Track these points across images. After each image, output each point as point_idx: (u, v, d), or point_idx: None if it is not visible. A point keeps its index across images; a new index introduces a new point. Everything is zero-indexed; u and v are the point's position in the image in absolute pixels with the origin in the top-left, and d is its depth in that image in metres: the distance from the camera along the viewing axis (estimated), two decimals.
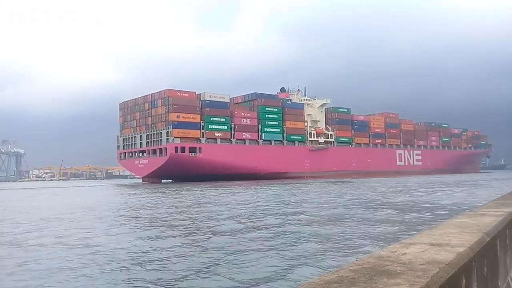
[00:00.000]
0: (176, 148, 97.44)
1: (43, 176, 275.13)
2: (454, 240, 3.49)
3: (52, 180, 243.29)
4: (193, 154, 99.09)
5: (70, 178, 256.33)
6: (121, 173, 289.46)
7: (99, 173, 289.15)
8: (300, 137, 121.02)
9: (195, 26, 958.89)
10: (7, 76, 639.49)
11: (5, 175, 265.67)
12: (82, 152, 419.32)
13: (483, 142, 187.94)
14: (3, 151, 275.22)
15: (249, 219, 21.24)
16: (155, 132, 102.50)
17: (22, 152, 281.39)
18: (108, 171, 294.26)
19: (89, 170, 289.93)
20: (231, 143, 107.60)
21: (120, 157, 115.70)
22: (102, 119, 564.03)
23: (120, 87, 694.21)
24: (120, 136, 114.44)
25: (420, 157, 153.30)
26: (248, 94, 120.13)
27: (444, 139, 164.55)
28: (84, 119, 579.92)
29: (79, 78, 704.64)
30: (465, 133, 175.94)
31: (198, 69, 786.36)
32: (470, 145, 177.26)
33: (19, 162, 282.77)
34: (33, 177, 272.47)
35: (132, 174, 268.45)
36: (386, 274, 2.50)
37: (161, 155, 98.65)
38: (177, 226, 19.34)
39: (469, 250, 3.19)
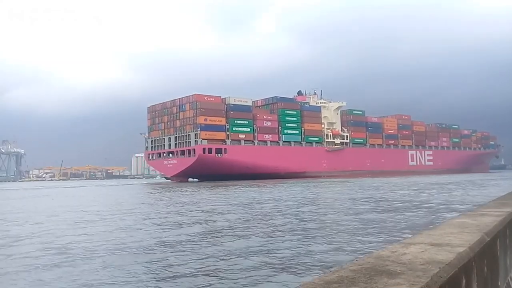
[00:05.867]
0: (204, 149, 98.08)
1: (43, 176, 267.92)
2: (454, 240, 3.36)
3: (52, 180, 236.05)
4: (219, 155, 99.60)
5: (70, 178, 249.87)
6: (121, 173, 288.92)
7: (99, 173, 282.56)
8: (318, 139, 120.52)
9: (210, 27, 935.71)
10: (15, 77, 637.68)
11: (5, 175, 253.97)
12: (83, 152, 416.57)
13: (492, 143, 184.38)
14: (3, 151, 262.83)
15: None
16: (183, 134, 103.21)
17: (22, 152, 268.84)
18: (108, 171, 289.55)
19: (89, 170, 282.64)
20: (254, 144, 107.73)
21: (149, 157, 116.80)
22: (106, 120, 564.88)
23: (128, 88, 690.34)
24: (149, 138, 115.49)
25: (431, 157, 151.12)
26: (268, 98, 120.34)
27: (454, 139, 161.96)
28: (88, 120, 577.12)
29: (86, 79, 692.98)
30: (474, 134, 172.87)
31: (212, 69, 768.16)
32: (479, 146, 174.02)
33: (19, 162, 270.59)
34: (33, 177, 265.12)
35: (132, 174, 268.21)
36: (386, 274, 2.40)
37: (190, 156, 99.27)
38: None
39: (469, 250, 3.06)
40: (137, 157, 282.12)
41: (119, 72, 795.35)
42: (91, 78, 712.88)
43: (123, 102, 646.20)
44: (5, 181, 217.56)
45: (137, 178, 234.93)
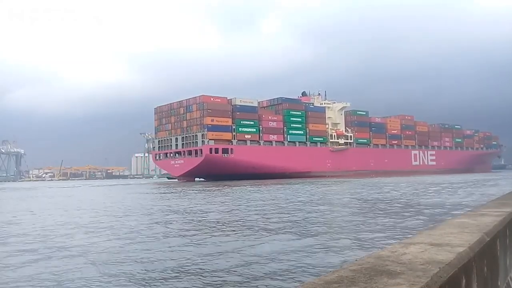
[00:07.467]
0: (210, 149, 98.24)
1: (43, 176, 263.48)
2: (454, 240, 3.33)
3: (52, 180, 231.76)
4: (225, 155, 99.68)
5: (70, 178, 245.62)
6: (120, 173, 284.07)
7: (99, 173, 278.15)
8: (322, 139, 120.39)
9: (211, 27, 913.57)
10: (15, 77, 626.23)
11: (4, 175, 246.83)
12: (83, 152, 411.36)
13: (494, 143, 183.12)
14: (3, 151, 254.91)
15: None
16: (190, 135, 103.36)
17: (22, 152, 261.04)
18: (108, 171, 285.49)
19: (89, 170, 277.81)
20: (260, 144, 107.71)
21: (156, 157, 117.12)
22: (106, 120, 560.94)
23: (128, 88, 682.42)
24: (156, 138, 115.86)
25: (434, 157, 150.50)
26: (273, 99, 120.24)
27: (457, 139, 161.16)
28: (88, 120, 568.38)
29: (86, 79, 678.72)
30: (477, 134, 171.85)
31: (213, 69, 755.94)
32: (481, 146, 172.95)
33: (19, 162, 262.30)
34: (32, 177, 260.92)
35: (132, 174, 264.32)
36: (386, 274, 2.38)
37: (197, 156, 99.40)
38: None
39: (469, 250, 3.03)
40: (137, 157, 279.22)
41: (119, 72, 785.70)
42: (91, 78, 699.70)
43: (123, 102, 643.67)
44: (5, 181, 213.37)
45: (137, 178, 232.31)
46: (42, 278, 9.72)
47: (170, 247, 13.08)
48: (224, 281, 9.07)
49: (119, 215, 23.60)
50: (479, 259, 3.23)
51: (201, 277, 9.38)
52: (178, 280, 9.35)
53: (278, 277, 9.16)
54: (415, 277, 2.29)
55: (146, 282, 9.23)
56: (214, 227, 17.55)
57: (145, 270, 10.22)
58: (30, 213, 26.90)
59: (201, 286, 8.79)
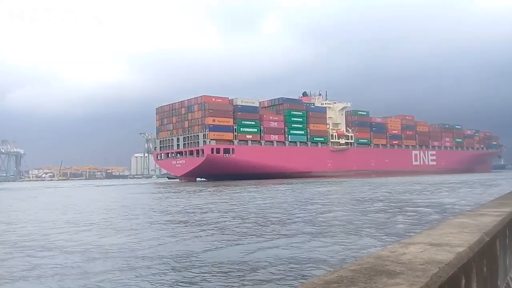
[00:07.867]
0: (212, 149, 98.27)
1: (43, 176, 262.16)
2: (453, 240, 3.31)
3: (51, 180, 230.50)
4: (227, 155, 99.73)
5: (70, 178, 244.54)
6: (120, 173, 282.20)
7: (99, 173, 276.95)
8: (323, 139, 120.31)
9: (211, 27, 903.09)
10: (15, 77, 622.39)
11: (4, 175, 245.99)
12: (83, 152, 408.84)
13: (495, 143, 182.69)
14: (3, 151, 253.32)
15: None
16: (192, 135, 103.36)
17: (22, 152, 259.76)
18: (108, 171, 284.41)
19: (89, 170, 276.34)
20: (261, 144, 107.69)
21: (157, 157, 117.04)
22: (106, 120, 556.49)
23: (128, 88, 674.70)
24: (157, 138, 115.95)
25: (434, 157, 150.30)
26: (274, 99, 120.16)
27: (457, 140, 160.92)
28: (88, 120, 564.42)
29: (86, 79, 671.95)
30: (477, 134, 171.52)
31: (213, 69, 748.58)
32: (482, 146, 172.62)
33: (18, 162, 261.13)
34: (32, 177, 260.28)
35: (132, 174, 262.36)
36: (386, 274, 2.37)
37: (198, 156, 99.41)
38: None
39: (468, 250, 3.02)
40: (136, 157, 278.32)
41: (119, 72, 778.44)
42: (91, 78, 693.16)
43: (123, 102, 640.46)
44: (5, 181, 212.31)
45: (137, 178, 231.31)
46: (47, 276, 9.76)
47: (184, 244, 13.41)
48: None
49: (126, 215, 23.65)
50: (479, 259, 3.21)
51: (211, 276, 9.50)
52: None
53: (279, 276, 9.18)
54: (415, 277, 2.28)
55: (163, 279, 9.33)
56: (216, 227, 17.65)
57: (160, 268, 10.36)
58: (31, 213, 26.91)
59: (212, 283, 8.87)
